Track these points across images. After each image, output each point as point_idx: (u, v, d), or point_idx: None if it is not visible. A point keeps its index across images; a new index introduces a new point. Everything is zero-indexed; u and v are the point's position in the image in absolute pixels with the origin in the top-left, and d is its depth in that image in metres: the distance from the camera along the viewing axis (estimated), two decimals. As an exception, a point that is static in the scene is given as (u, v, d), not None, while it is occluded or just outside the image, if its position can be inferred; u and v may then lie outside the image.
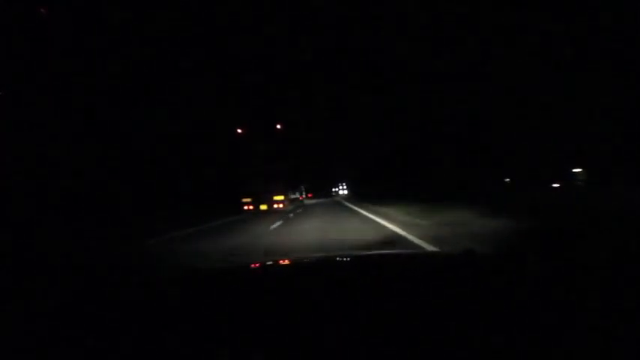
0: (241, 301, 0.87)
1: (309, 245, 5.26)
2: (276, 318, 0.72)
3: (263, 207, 15.47)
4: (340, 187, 78.24)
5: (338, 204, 20.43)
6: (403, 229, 6.00)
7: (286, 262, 1.63)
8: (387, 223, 7.29)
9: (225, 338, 0.65)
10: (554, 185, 18.41)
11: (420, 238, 4.95)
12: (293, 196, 18.48)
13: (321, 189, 63.08)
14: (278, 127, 21.13)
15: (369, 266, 1.30)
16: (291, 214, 12.97)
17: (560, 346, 0.55)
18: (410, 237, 5.19)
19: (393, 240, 5.09)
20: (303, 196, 25.83)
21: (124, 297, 1.00)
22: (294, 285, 1.03)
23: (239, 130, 20.10)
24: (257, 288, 1.04)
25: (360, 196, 31.36)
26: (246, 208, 15.61)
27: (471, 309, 0.72)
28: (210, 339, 0.64)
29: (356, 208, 13.42)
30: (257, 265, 1.49)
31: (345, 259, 1.55)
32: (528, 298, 0.77)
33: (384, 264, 1.34)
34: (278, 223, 9.44)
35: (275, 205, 15.57)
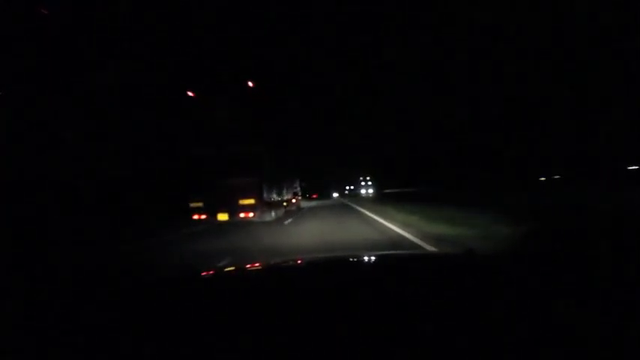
0: (241, 302, 0.90)
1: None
2: (276, 318, 0.75)
3: (222, 217, 10.56)
4: (363, 184, 70.87)
5: (353, 211, 14.83)
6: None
7: (286, 262, 1.67)
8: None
9: (225, 339, 0.67)
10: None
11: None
12: (280, 198, 13.27)
13: (329, 188, 58.32)
14: (250, 84, 15.12)
15: (369, 267, 1.35)
16: (273, 232, 8.62)
17: (561, 346, 0.57)
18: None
19: None
20: (300, 198, 19.49)
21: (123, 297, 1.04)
22: (294, 286, 1.07)
23: (190, 93, 13.96)
24: (257, 289, 1.07)
25: (385, 198, 29.46)
26: (196, 217, 10.75)
27: (472, 309, 0.74)
28: (210, 339, 0.66)
29: (384, 221, 9.21)
30: (256, 265, 1.53)
31: (345, 260, 1.60)
32: (528, 298, 0.80)
33: (383, 265, 1.38)
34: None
35: (242, 214, 10.50)
